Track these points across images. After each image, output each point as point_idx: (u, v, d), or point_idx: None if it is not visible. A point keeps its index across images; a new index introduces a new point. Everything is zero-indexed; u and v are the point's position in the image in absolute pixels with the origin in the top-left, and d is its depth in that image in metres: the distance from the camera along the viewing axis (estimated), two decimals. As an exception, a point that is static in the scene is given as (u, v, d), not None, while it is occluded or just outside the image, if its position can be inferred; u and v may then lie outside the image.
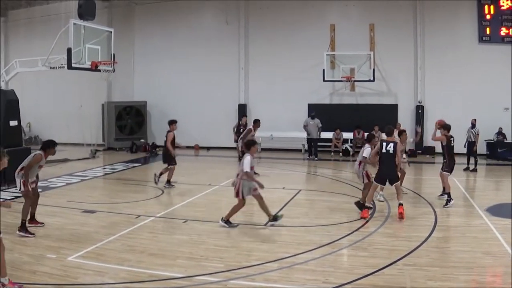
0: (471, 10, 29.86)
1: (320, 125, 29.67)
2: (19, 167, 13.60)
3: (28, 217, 13.33)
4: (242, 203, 13.70)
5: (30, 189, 13.39)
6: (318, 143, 30.12)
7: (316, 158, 29.16)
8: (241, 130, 27.68)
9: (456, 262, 10.53)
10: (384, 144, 14.67)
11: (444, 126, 16.95)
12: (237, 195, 13.57)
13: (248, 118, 33.36)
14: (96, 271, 10.06)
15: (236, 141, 27.73)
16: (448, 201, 16.19)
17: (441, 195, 17.11)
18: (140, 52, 37.26)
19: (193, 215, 15.38)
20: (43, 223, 13.90)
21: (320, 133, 29.75)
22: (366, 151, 15.32)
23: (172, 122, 20.14)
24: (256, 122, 23.56)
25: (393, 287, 9.27)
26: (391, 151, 14.53)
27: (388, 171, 14.66)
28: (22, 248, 11.29)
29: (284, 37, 33.41)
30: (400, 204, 14.42)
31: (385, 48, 31.31)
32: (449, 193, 16.37)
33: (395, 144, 14.70)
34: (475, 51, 29.74)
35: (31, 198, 13.59)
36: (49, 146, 13.74)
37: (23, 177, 13.37)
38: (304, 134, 30.11)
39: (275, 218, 13.86)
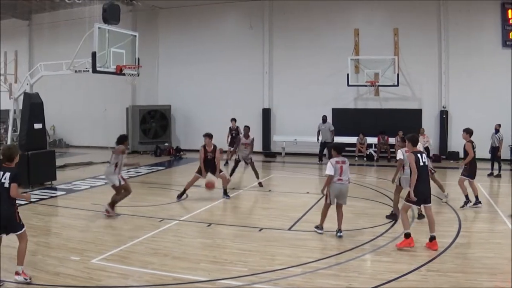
0: (495, 14, 29.58)
1: (332, 128, 29.79)
2: (113, 165, 15.72)
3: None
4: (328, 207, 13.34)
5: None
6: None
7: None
8: (233, 134, 27.79)
9: (479, 268, 10.45)
10: (419, 155, 12.23)
11: (467, 131, 16.91)
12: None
13: (273, 123, 33.49)
14: (120, 273, 10.11)
15: (230, 145, 27.65)
16: (466, 203, 16.53)
17: (473, 203, 16.73)
18: (164, 56, 37.43)
19: (217, 219, 15.44)
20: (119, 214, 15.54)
21: (333, 137, 29.73)
22: None
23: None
24: (245, 129, 22.44)
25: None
26: (427, 163, 12.37)
27: (427, 187, 12.36)
28: (46, 250, 11.35)
29: (308, 42, 33.36)
30: (433, 238, 11.98)
31: (409, 53, 31.11)
32: (467, 195, 16.64)
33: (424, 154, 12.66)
34: (499, 56, 29.42)
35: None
36: (126, 139, 16.55)
37: (120, 172, 15.70)
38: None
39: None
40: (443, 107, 30.76)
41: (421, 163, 12.07)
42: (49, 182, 20.70)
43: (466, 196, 16.61)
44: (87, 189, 20.35)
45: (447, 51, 30.59)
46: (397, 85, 30.28)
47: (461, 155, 28.68)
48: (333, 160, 13.10)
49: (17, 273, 9.53)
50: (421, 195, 12.06)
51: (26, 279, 9.50)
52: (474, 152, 16.77)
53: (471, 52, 29.99)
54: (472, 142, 16.86)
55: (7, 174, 9.50)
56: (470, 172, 16.85)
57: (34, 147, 20.40)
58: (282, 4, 34.03)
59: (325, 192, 13.17)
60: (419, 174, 11.98)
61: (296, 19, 33.70)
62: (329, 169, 12.98)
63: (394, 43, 31.54)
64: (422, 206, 12.72)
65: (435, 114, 30.99)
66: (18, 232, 9.65)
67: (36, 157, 19.99)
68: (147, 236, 13.04)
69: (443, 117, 30.46)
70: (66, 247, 11.57)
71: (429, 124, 30.45)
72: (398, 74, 30.06)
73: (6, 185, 9.44)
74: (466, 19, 30.12)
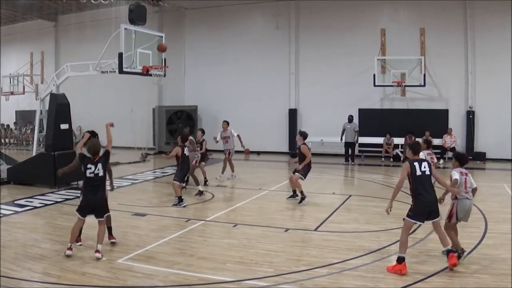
0: (521, 13, 29.34)
1: (357, 129, 30.03)
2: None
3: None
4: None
5: None
6: (365, 148, 30.15)
7: (352, 163, 29.39)
8: (199, 148, 21.89)
9: (506, 269, 10.29)
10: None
11: (301, 134, 18.37)
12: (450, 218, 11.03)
13: (299, 123, 33.41)
14: (146, 273, 10.12)
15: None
16: (303, 199, 17.58)
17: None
18: (190, 57, 37.61)
19: (243, 220, 15.37)
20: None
21: (357, 138, 30.08)
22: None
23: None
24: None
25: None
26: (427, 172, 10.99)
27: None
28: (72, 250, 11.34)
29: (334, 42, 33.29)
30: (451, 251, 10.37)
31: (436, 53, 30.93)
32: (302, 191, 17.76)
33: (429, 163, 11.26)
34: (526, 55, 29.21)
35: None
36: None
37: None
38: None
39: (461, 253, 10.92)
40: (469, 107, 30.51)
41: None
42: (75, 182, 20.74)
43: (301, 192, 17.57)
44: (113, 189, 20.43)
45: (474, 51, 30.34)
46: (424, 85, 30.16)
47: (488, 155, 28.83)
48: (458, 169, 11.22)
49: (97, 251, 10.96)
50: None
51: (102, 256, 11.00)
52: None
53: (497, 52, 29.71)
54: (306, 144, 18.03)
55: (99, 165, 11.30)
56: (306, 171, 17.86)
57: (61, 148, 20.50)
58: (309, 4, 34.02)
59: (445, 199, 11.27)
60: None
61: (322, 19, 33.65)
62: (455, 174, 11.06)
63: (420, 43, 31.36)
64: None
65: (462, 114, 30.77)
66: (107, 214, 11.61)
67: (63, 157, 19.87)
68: (173, 236, 13.08)
69: (470, 117, 30.23)
70: (92, 247, 11.53)
71: (456, 124, 30.29)
72: (424, 74, 29.92)
73: (101, 173, 11.29)
74: (493, 19, 29.86)
